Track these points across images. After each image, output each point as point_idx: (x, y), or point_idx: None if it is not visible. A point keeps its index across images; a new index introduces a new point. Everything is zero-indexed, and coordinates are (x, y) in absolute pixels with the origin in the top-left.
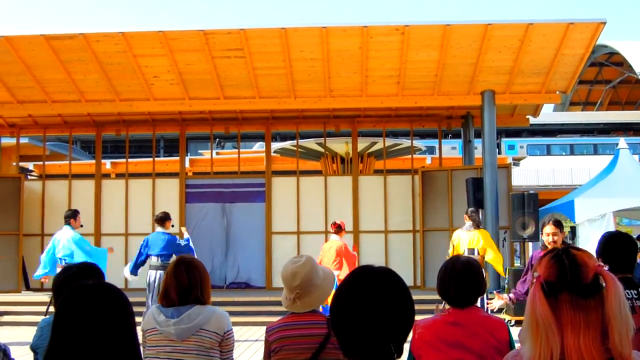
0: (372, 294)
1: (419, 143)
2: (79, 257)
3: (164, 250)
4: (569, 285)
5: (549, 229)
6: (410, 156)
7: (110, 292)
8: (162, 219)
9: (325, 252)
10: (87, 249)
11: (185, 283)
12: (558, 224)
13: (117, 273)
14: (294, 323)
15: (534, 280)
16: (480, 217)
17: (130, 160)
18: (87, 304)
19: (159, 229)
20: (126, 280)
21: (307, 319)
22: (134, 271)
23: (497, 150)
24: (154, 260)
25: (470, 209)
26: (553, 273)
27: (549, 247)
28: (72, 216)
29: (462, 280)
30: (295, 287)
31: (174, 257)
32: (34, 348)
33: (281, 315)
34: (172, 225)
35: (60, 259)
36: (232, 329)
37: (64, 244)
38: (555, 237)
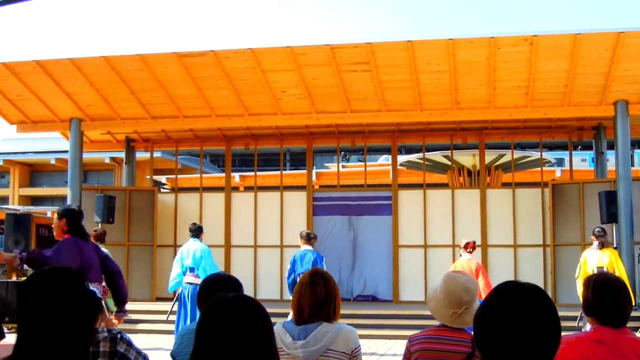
0: (519, 311)
1: (548, 155)
2: (206, 268)
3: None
4: None
5: None
6: (539, 169)
7: (251, 305)
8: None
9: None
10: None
11: (322, 296)
12: None
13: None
14: (439, 337)
15: None
16: (614, 231)
17: (258, 173)
18: (228, 316)
19: (305, 246)
20: (255, 291)
21: (455, 335)
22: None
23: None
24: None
25: (596, 229)
26: None
27: None
28: (200, 230)
29: (618, 298)
30: (466, 301)
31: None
32: (173, 355)
33: (409, 329)
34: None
35: (187, 268)
36: (360, 346)
37: (198, 255)
38: None
